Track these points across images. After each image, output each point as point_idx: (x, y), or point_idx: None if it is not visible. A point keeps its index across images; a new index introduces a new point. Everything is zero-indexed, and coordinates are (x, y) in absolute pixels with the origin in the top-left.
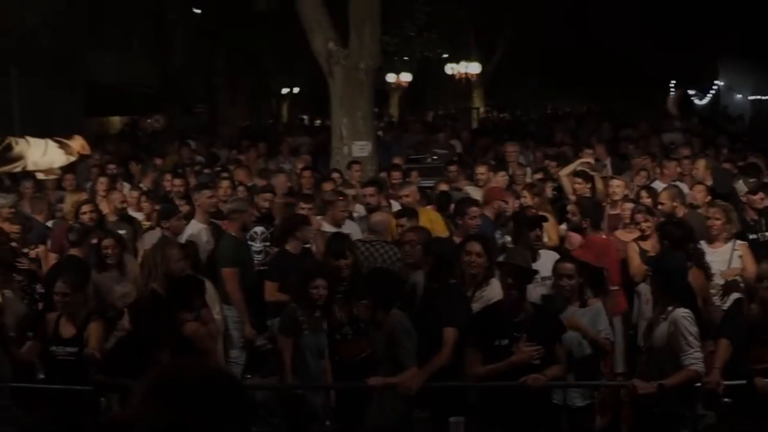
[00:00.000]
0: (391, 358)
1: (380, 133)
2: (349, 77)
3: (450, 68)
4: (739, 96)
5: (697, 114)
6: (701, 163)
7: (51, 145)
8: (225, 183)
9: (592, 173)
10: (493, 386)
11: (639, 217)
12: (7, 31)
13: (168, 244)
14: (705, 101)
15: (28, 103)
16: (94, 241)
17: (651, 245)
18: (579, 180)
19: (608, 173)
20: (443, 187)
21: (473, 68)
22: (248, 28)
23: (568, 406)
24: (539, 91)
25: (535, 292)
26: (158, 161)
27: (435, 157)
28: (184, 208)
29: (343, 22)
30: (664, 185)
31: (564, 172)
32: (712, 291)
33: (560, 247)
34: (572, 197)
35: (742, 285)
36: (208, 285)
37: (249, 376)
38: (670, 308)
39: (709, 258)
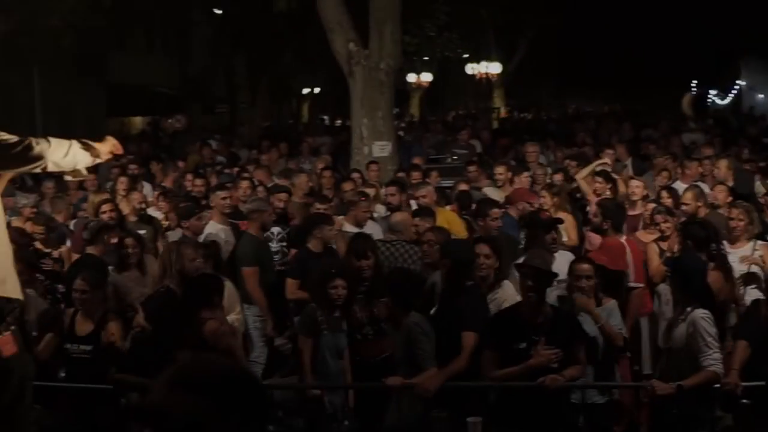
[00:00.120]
0: (408, 360)
1: (401, 133)
2: (369, 77)
3: (470, 68)
4: (761, 96)
5: (712, 115)
6: (723, 163)
7: (75, 146)
8: (244, 183)
9: (615, 175)
10: (511, 386)
11: (658, 217)
12: (31, 32)
13: (183, 243)
14: (727, 101)
15: (50, 104)
16: (114, 240)
17: (671, 246)
18: (600, 179)
19: (629, 173)
20: (463, 186)
21: (494, 68)
22: (269, 29)
23: (586, 403)
24: (560, 91)
25: (551, 294)
26: (181, 164)
27: (455, 158)
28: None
29: (364, 22)
30: (685, 186)
31: (581, 175)
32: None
33: (579, 248)
34: (591, 198)
35: (761, 275)
36: (229, 285)
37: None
38: (689, 309)
39: (730, 258)
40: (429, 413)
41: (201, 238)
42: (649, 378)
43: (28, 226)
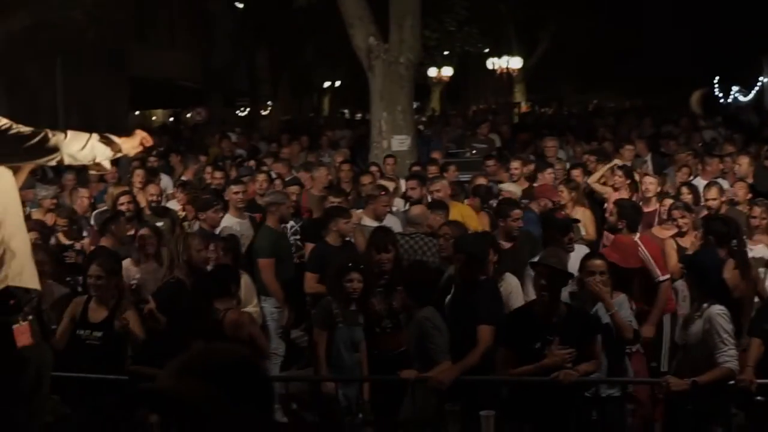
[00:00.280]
0: (421, 354)
1: (421, 127)
2: (389, 72)
3: (491, 63)
4: None
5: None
6: (744, 160)
7: (93, 139)
8: (262, 176)
9: (635, 174)
10: (524, 381)
11: (676, 213)
12: (53, 25)
13: (190, 234)
14: (749, 98)
15: (72, 97)
16: (131, 232)
17: (688, 242)
18: (620, 173)
19: (648, 169)
20: (480, 180)
21: (514, 63)
22: (290, 23)
23: (600, 397)
24: (581, 87)
25: (563, 292)
26: (203, 158)
27: (474, 152)
28: None
29: (384, 17)
30: (705, 182)
31: (593, 179)
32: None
33: (597, 242)
34: (607, 195)
35: None
36: (246, 277)
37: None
38: (705, 305)
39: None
40: (442, 406)
41: (217, 232)
42: (665, 375)
43: (49, 218)
